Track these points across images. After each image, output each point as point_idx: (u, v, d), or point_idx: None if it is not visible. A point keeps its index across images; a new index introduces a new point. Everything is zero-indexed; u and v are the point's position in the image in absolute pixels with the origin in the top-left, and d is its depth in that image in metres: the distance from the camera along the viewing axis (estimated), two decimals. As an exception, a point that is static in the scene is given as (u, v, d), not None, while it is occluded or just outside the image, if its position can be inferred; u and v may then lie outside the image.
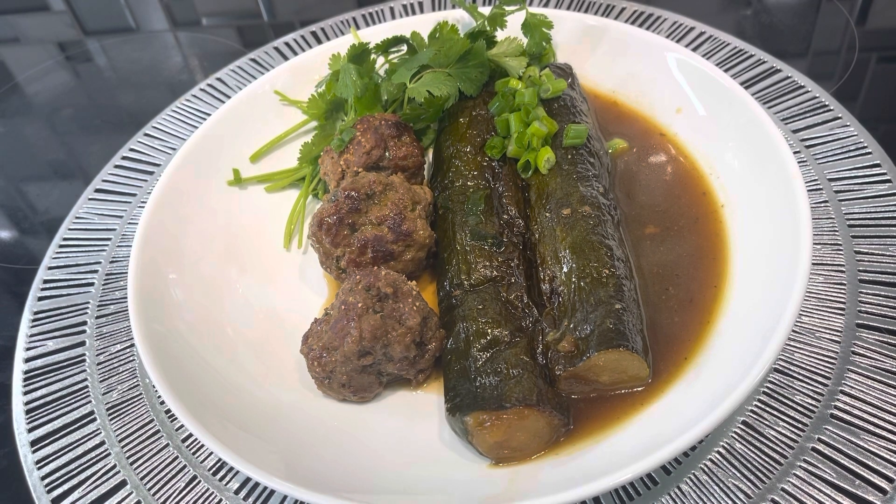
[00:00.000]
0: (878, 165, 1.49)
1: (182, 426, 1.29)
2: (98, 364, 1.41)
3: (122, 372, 1.40)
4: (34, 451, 1.29)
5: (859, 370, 1.20)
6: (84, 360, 1.42)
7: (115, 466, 1.25)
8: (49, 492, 1.23)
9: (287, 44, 2.17)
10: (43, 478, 1.25)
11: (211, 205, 1.55)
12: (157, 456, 1.26)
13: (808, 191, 1.43)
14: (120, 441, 1.28)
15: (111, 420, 1.32)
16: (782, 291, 1.10)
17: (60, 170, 2.05)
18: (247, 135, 1.67)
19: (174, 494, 1.20)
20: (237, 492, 1.19)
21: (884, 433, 1.12)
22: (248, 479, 1.20)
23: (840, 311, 1.28)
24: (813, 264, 1.33)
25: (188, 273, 1.41)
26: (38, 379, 1.40)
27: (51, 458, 1.27)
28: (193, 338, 1.30)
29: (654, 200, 1.46)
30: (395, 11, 2.20)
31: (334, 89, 1.64)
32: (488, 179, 1.45)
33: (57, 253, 1.65)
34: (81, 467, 1.26)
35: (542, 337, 1.22)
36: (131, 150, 1.89)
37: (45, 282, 1.58)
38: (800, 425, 1.15)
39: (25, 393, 1.38)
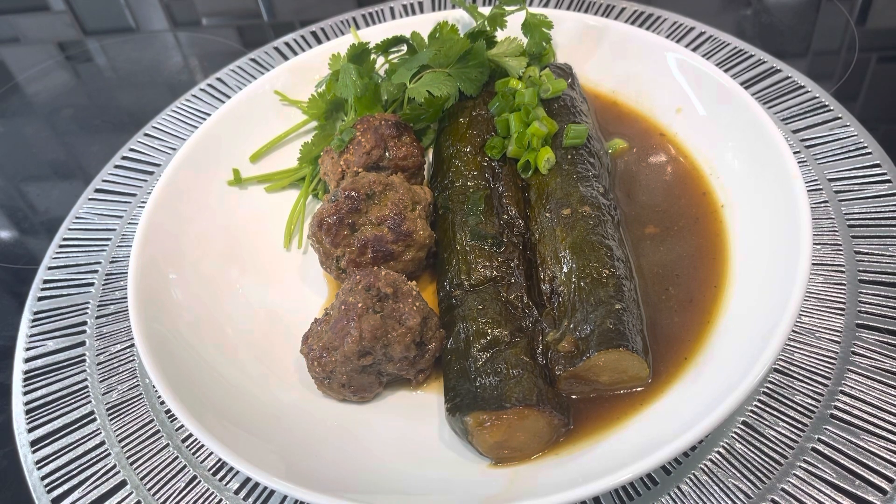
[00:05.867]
0: (878, 165, 1.49)
1: (182, 426, 1.29)
2: (98, 364, 1.41)
3: (122, 372, 1.40)
4: (34, 451, 1.29)
5: (859, 370, 1.20)
6: (84, 360, 1.42)
7: (115, 466, 1.25)
8: (49, 492, 1.23)
9: (287, 44, 2.17)
10: (43, 478, 1.25)
11: (211, 205, 1.55)
12: (157, 456, 1.26)
13: (808, 191, 1.43)
14: (120, 441, 1.28)
15: (111, 420, 1.32)
16: (782, 291, 1.10)
17: (60, 170, 2.05)
18: (247, 135, 1.67)
19: (174, 494, 1.20)
20: (237, 492, 1.19)
21: (884, 433, 1.12)
22: (248, 479, 1.20)
23: (840, 311, 1.28)
24: (813, 264, 1.33)
25: (188, 273, 1.41)
26: (38, 379, 1.40)
27: (51, 458, 1.27)
28: (193, 338, 1.30)
29: (654, 200, 1.46)
30: (395, 11, 2.20)
31: (334, 89, 1.64)
32: (488, 179, 1.45)
33: (57, 253, 1.65)
34: (81, 467, 1.26)
35: (542, 337, 1.22)
36: (131, 150, 1.89)
37: (45, 282, 1.58)
38: (800, 425, 1.15)
39: (25, 393, 1.38)
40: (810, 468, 1.10)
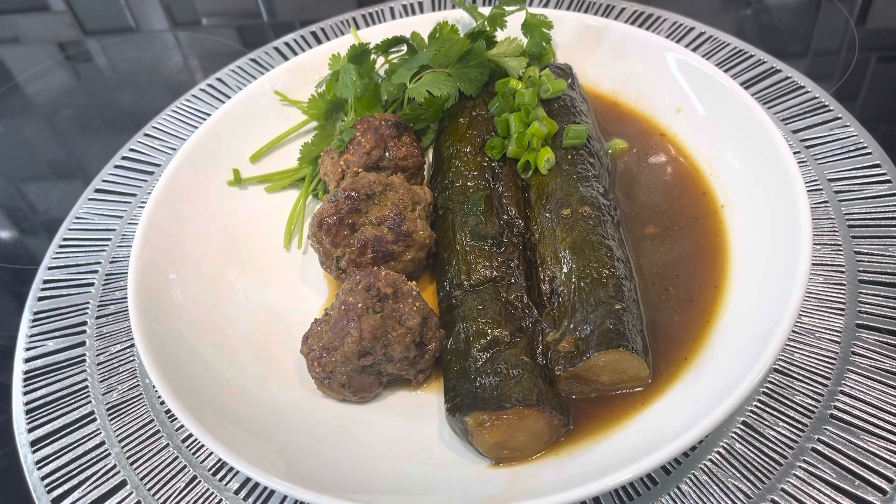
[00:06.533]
0: (878, 165, 1.49)
1: (182, 426, 1.29)
2: (98, 364, 1.41)
3: (122, 372, 1.40)
4: (34, 451, 1.29)
5: (859, 370, 1.20)
6: (84, 360, 1.42)
7: (115, 466, 1.25)
8: (49, 492, 1.23)
9: (287, 44, 2.17)
10: (43, 478, 1.25)
11: (211, 205, 1.55)
12: (157, 456, 1.26)
13: (808, 191, 1.43)
14: (120, 441, 1.29)
15: (111, 420, 1.32)
16: (782, 291, 1.10)
17: (60, 170, 2.05)
18: (247, 135, 1.67)
19: (174, 494, 1.20)
20: (237, 492, 1.19)
21: (884, 433, 1.12)
22: (248, 479, 1.20)
23: (840, 311, 1.28)
24: (813, 264, 1.33)
25: (188, 273, 1.41)
26: (38, 379, 1.40)
27: (51, 458, 1.27)
28: (193, 338, 1.30)
29: (654, 200, 1.46)
30: (395, 11, 2.20)
31: (334, 89, 1.64)
32: (488, 179, 1.45)
33: (57, 253, 1.65)
34: (81, 467, 1.26)
35: (542, 337, 1.22)
36: (131, 150, 1.89)
37: (45, 282, 1.58)
38: (800, 425, 1.15)
39: (25, 393, 1.38)
40: (810, 468, 1.10)
